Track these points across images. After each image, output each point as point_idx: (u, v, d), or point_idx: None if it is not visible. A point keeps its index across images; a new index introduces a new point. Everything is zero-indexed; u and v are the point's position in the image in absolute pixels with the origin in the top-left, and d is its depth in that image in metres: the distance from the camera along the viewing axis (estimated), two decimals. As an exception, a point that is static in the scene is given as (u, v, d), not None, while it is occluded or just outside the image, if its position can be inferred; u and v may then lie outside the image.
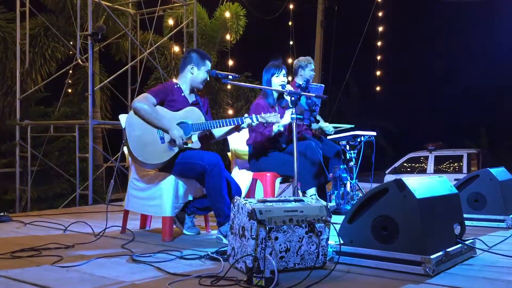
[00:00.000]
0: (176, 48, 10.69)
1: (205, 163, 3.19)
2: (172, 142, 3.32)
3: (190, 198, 3.52)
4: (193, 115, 3.45)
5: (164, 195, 3.35)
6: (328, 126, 4.95)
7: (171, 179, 3.35)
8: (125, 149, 3.65)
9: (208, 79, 3.59)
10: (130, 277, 2.37)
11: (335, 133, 4.92)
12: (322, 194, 4.29)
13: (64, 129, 8.32)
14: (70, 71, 9.27)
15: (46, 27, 9.21)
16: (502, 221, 3.62)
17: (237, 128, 3.53)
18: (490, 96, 20.19)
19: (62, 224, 3.97)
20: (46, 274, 2.43)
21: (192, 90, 3.61)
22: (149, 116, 3.31)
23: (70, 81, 10.03)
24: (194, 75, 3.54)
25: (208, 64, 3.57)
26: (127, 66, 8.83)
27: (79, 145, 6.97)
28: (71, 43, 9.02)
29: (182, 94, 3.53)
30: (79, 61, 6.96)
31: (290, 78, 5.38)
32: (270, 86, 3.99)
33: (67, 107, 9.20)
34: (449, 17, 19.32)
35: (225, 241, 3.15)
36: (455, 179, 4.37)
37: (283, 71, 4.02)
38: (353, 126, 5.06)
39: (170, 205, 3.33)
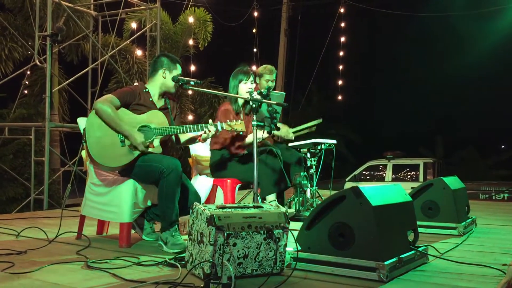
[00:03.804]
0: (138, 52, 10.57)
1: (164, 166, 3.16)
2: (133, 145, 3.28)
3: (149, 204, 3.47)
4: (156, 119, 3.39)
5: (122, 201, 3.29)
6: (288, 133, 4.92)
7: (129, 184, 3.30)
8: (83, 152, 3.57)
9: (177, 85, 3.51)
10: (84, 284, 2.31)
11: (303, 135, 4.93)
12: (280, 200, 4.33)
13: (20, 132, 8.07)
14: (28, 72, 9.01)
15: (3, 26, 8.94)
16: (454, 228, 3.74)
17: (204, 140, 3.49)
18: (448, 108, 20.95)
19: (14, 229, 3.84)
20: (-4, 281, 2.35)
21: (162, 95, 3.56)
22: (110, 120, 3.24)
23: (27, 82, 9.75)
24: (166, 79, 3.48)
25: (179, 68, 3.52)
26: (87, 69, 8.67)
27: (35, 148, 6.77)
28: (29, 43, 8.78)
29: (150, 99, 3.48)
30: (37, 62, 6.79)
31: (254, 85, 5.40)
32: (237, 92, 3.99)
33: (23, 108, 8.94)
34: (410, 29, 19.94)
35: (165, 248, 3.13)
36: (412, 187, 4.49)
37: (251, 78, 4.01)
38: (320, 120, 5.04)
39: (128, 211, 3.28)
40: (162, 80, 3.49)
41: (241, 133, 3.45)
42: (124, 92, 3.41)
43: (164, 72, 3.48)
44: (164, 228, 3.19)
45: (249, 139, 3.92)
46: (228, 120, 3.45)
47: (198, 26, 11.67)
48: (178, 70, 3.50)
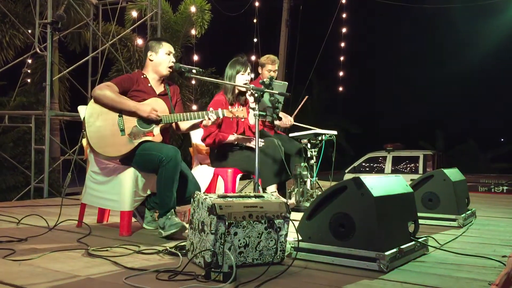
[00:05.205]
0: (139, 41, 10.52)
1: (163, 154, 3.15)
2: (133, 134, 3.27)
3: (149, 192, 3.47)
4: (157, 106, 3.38)
5: (123, 189, 3.29)
6: (289, 120, 4.96)
7: (130, 172, 3.30)
8: (83, 141, 3.57)
9: (171, 62, 3.46)
10: (85, 271, 2.32)
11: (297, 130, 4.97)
12: (282, 191, 4.33)
13: (20, 120, 8.05)
14: (29, 60, 8.97)
15: (3, 13, 8.89)
16: (454, 220, 3.75)
17: (205, 127, 3.48)
18: (448, 102, 20.93)
19: (15, 217, 3.84)
20: (-3, 267, 2.36)
21: (161, 80, 3.54)
22: (112, 101, 3.22)
23: (29, 71, 9.71)
24: (153, 61, 3.47)
25: (166, 45, 3.47)
26: (87, 57, 8.63)
27: (35, 136, 6.76)
28: (29, 31, 8.73)
29: (149, 85, 3.47)
30: (38, 50, 6.75)
31: (253, 76, 5.40)
32: (234, 82, 3.97)
33: (24, 97, 8.92)
34: (412, 21, 19.86)
35: (163, 233, 3.12)
36: (411, 179, 4.49)
37: (248, 70, 4.01)
38: (306, 97, 5.27)
39: (128, 199, 3.28)
40: (150, 63, 3.48)
41: (242, 119, 3.45)
42: (122, 78, 3.41)
43: (150, 54, 3.47)
44: (161, 215, 3.19)
45: (230, 138, 3.92)
46: (229, 107, 3.45)
47: (196, 14, 11.62)
48: (165, 48, 3.46)
